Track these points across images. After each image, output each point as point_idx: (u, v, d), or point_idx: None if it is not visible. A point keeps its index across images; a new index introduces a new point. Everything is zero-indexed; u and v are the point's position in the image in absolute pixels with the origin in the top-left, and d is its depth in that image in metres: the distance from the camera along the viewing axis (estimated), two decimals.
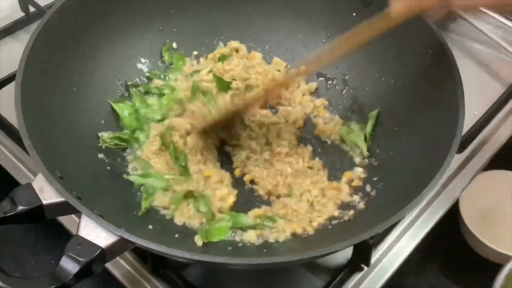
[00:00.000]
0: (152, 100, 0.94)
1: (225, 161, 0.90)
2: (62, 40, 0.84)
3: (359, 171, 0.88)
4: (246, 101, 0.93)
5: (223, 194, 0.83)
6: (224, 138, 0.91)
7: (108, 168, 0.84)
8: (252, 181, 0.87)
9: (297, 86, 0.98)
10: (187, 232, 0.79)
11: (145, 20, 0.97)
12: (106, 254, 0.62)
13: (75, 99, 0.85)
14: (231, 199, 0.83)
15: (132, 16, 0.95)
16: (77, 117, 0.84)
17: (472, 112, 1.00)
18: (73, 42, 0.86)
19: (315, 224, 0.80)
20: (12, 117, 0.91)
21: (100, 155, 0.85)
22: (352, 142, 0.90)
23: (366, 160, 0.88)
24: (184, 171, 0.85)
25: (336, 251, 0.66)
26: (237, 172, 0.88)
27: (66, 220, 0.84)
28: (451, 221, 0.93)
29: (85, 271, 0.61)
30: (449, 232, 0.94)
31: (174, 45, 1.00)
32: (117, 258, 0.79)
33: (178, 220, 0.81)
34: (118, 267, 0.81)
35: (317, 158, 0.89)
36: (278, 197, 0.85)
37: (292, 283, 0.83)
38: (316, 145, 0.92)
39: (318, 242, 0.78)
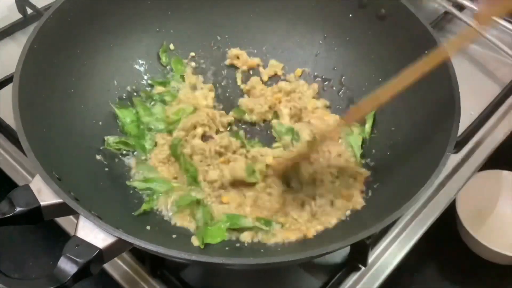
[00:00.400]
0: (156, 109, 0.94)
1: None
2: (60, 42, 0.84)
3: (363, 171, 0.87)
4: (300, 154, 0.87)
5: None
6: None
7: (106, 169, 0.84)
8: None
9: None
10: (184, 233, 0.79)
11: (142, 22, 0.97)
12: (104, 255, 0.62)
13: (73, 100, 0.85)
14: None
15: (129, 17, 0.95)
16: (74, 118, 0.84)
17: (468, 112, 1.00)
18: (70, 43, 0.86)
19: (312, 231, 0.80)
20: (10, 119, 0.91)
21: (98, 157, 0.85)
22: (348, 144, 0.90)
23: (363, 161, 0.89)
24: (194, 182, 0.85)
25: (333, 251, 0.66)
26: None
27: (64, 221, 0.84)
28: (448, 221, 0.93)
29: (83, 272, 0.61)
30: (446, 232, 0.95)
31: (171, 46, 1.00)
32: (115, 259, 0.79)
33: (176, 222, 0.81)
34: (116, 268, 0.81)
35: None
36: None
37: (290, 283, 0.83)
38: None
39: (315, 242, 0.78)
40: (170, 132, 0.91)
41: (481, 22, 0.82)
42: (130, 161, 0.88)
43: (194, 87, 0.98)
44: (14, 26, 1.12)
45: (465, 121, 0.95)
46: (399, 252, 0.84)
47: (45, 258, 0.92)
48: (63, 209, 0.65)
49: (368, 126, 0.91)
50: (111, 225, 0.63)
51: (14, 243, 0.93)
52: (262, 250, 0.77)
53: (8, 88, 0.90)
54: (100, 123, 0.89)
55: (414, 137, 0.83)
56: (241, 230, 0.79)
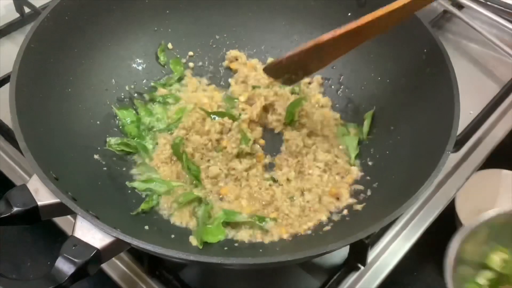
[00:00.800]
0: (157, 108, 0.94)
1: None
2: (57, 41, 0.84)
3: (354, 171, 0.88)
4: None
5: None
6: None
7: (105, 169, 0.84)
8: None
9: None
10: (183, 233, 0.79)
11: (140, 21, 0.97)
12: (102, 255, 0.62)
13: (70, 100, 0.85)
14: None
15: (127, 16, 0.95)
16: (72, 118, 0.84)
17: (467, 111, 1.00)
18: (68, 43, 0.86)
19: (304, 227, 0.80)
20: (7, 118, 0.91)
21: (96, 156, 0.85)
22: (343, 144, 0.91)
23: (362, 161, 0.88)
24: (196, 180, 0.85)
25: (332, 251, 0.66)
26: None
27: (61, 221, 0.84)
28: (447, 220, 0.93)
29: (80, 272, 0.61)
30: (445, 231, 0.94)
31: (170, 45, 1.00)
32: (113, 259, 0.79)
33: (175, 221, 0.81)
34: (114, 268, 0.81)
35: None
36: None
37: (289, 283, 0.83)
38: None
39: (314, 241, 0.78)
40: (171, 131, 0.91)
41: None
42: (129, 161, 0.88)
43: (196, 89, 0.98)
44: (11, 25, 1.12)
45: (464, 120, 0.95)
46: (398, 252, 0.84)
47: (43, 259, 0.92)
48: (60, 209, 0.65)
49: (366, 126, 0.91)
50: (109, 225, 0.63)
51: (12, 244, 0.93)
52: (260, 250, 0.77)
53: (5, 88, 0.90)
54: (98, 122, 0.89)
55: (413, 136, 0.83)
56: (238, 227, 0.80)
